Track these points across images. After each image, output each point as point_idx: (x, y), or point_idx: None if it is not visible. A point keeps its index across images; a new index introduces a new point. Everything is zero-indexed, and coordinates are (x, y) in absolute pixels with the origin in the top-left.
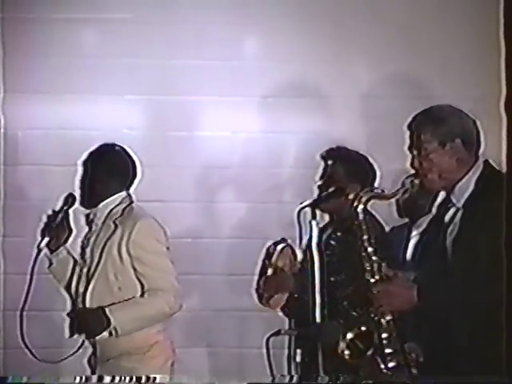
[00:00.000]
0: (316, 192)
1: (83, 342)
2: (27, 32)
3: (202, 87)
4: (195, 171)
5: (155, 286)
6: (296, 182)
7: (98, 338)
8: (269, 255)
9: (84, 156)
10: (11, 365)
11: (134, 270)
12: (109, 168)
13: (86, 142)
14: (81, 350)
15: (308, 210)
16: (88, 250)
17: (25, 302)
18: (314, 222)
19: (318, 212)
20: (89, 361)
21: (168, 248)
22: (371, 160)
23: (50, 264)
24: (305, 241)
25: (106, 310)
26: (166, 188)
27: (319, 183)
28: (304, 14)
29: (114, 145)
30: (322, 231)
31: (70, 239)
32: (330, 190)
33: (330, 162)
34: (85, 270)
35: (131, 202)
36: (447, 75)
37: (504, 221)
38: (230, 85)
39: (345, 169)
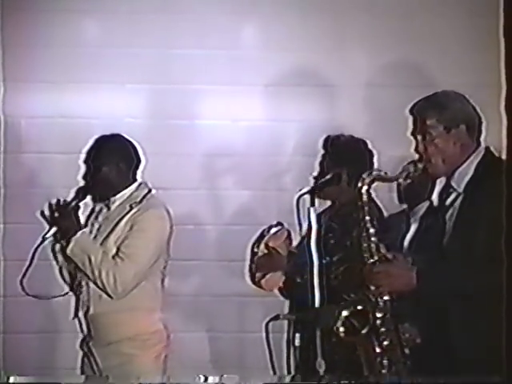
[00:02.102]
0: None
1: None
2: (28, 22)
3: (202, 76)
4: (196, 159)
5: (120, 255)
6: (296, 170)
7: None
8: (262, 236)
9: (85, 152)
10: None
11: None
12: (121, 159)
13: (89, 131)
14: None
15: (307, 197)
16: (98, 233)
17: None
18: (312, 209)
19: (316, 199)
20: (81, 346)
21: (166, 249)
22: (369, 144)
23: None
24: (304, 227)
25: (86, 232)
26: (168, 176)
27: (318, 171)
28: (304, 2)
29: (116, 135)
30: (323, 216)
31: None
32: (328, 176)
33: (331, 150)
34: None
35: (150, 189)
36: (448, 64)
37: (504, 216)
38: (231, 73)
39: (341, 156)
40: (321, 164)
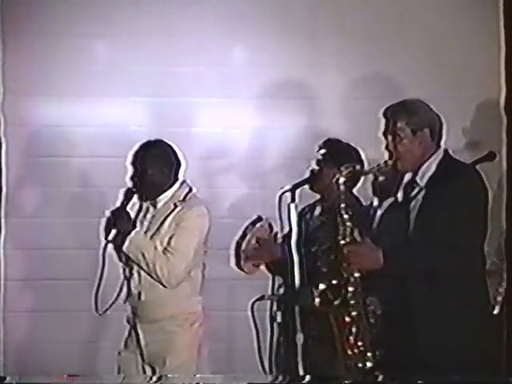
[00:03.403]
0: (299, 178)
1: (120, 291)
2: (49, 46)
3: (197, 90)
4: (192, 162)
5: (171, 251)
6: (279, 171)
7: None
8: (247, 229)
9: (131, 155)
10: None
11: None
12: (164, 162)
13: (99, 137)
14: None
15: (288, 194)
16: (148, 229)
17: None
18: (292, 205)
19: (296, 196)
20: (128, 321)
21: (205, 242)
22: (360, 152)
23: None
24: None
25: (140, 231)
26: None
27: (313, 168)
28: (287, 25)
29: (158, 140)
30: (312, 208)
31: None
32: (305, 176)
33: (323, 151)
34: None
35: (191, 188)
36: (414, 77)
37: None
38: (222, 87)
39: (336, 157)
40: (319, 162)
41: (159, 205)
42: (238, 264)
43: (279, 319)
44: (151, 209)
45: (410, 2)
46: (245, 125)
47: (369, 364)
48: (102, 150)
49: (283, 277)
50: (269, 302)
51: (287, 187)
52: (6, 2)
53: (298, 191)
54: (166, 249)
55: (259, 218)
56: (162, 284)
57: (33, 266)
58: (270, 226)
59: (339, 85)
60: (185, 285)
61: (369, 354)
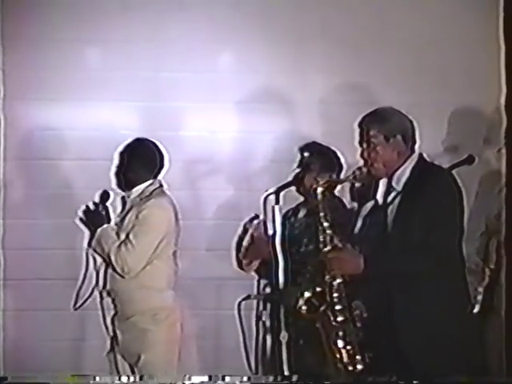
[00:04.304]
0: (283, 180)
1: (93, 289)
2: (43, 51)
3: (185, 95)
4: (180, 165)
5: (126, 241)
6: (264, 173)
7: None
8: (245, 228)
9: (120, 148)
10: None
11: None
12: (140, 159)
13: (90, 141)
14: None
15: (272, 196)
16: (119, 226)
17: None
18: (276, 207)
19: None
20: (112, 321)
21: (175, 243)
22: (339, 154)
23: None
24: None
25: (107, 227)
26: None
27: (297, 171)
28: (270, 33)
29: (144, 139)
30: (297, 211)
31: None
32: (289, 179)
33: (306, 154)
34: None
35: (161, 185)
36: (389, 84)
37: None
38: (209, 93)
39: (318, 160)
40: (301, 164)
41: (129, 200)
42: (239, 264)
43: (264, 318)
44: (125, 202)
45: (391, 10)
46: (231, 129)
47: (359, 367)
48: (92, 153)
49: (269, 277)
50: (255, 302)
51: (271, 190)
52: (5, 9)
53: (282, 193)
54: (123, 240)
55: (256, 216)
56: (119, 274)
57: (25, 266)
58: (265, 224)
59: (321, 90)
60: (150, 279)
61: (358, 357)
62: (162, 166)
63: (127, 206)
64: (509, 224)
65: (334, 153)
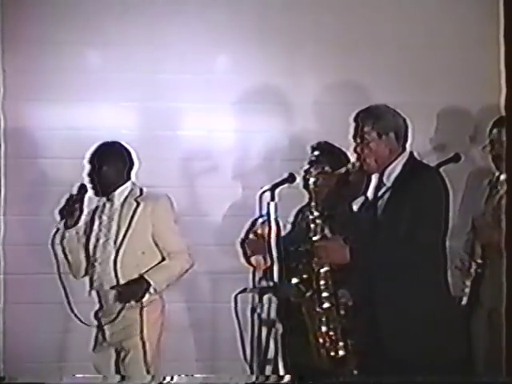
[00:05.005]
0: (277, 178)
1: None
2: (42, 53)
3: (182, 95)
4: (178, 163)
5: (174, 250)
6: (259, 171)
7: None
8: (253, 224)
9: (89, 154)
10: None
11: (153, 238)
12: (118, 161)
13: (92, 140)
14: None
15: (268, 193)
16: (107, 228)
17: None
18: (271, 203)
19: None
20: (95, 314)
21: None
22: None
23: (63, 239)
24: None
25: (145, 276)
26: (156, 176)
27: (306, 168)
28: (265, 36)
29: (114, 142)
30: (303, 209)
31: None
32: (283, 176)
33: (316, 153)
34: (110, 241)
35: (141, 188)
36: (381, 84)
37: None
38: (206, 93)
39: (327, 159)
40: (312, 162)
41: (116, 201)
42: (246, 259)
43: (259, 311)
44: (107, 205)
45: (386, 11)
46: (227, 128)
47: (341, 352)
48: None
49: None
50: (250, 295)
51: (267, 187)
52: (6, 11)
53: (277, 190)
54: (165, 256)
55: (262, 215)
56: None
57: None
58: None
59: (315, 91)
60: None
61: (340, 344)
62: (132, 166)
63: (115, 208)
64: (509, 224)
65: (344, 153)
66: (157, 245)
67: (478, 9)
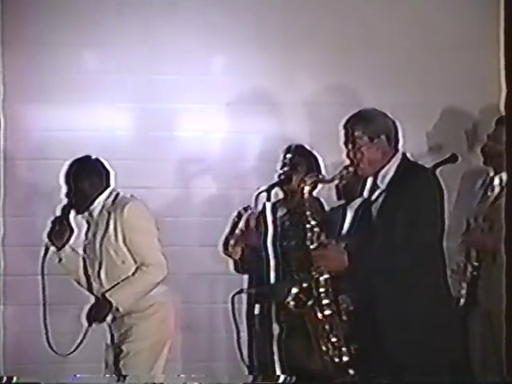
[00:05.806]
0: (272, 179)
1: (87, 330)
2: (45, 55)
3: (178, 96)
4: (174, 164)
5: (145, 262)
6: (254, 172)
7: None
8: (239, 214)
9: (62, 175)
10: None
11: (126, 247)
12: (91, 175)
13: (88, 141)
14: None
15: (264, 193)
16: (92, 242)
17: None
18: (267, 204)
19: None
20: (87, 316)
21: (158, 228)
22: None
23: (60, 260)
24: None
25: (107, 295)
26: (151, 177)
27: (280, 172)
28: (259, 38)
29: (84, 157)
30: (278, 206)
31: (73, 239)
32: (278, 179)
33: (290, 155)
34: (94, 258)
35: (118, 192)
36: (374, 86)
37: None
38: (201, 94)
39: (305, 162)
40: (284, 165)
41: (95, 214)
42: (225, 250)
43: (256, 311)
44: (90, 220)
45: (381, 13)
46: (222, 129)
47: (345, 358)
48: (89, 153)
49: (258, 272)
50: (247, 296)
51: (263, 187)
52: (5, 13)
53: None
54: (139, 266)
55: (248, 207)
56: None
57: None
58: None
59: (308, 92)
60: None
61: (344, 349)
62: (108, 174)
63: (94, 222)
64: (509, 224)
65: (315, 157)
66: (130, 253)
67: (478, 9)
